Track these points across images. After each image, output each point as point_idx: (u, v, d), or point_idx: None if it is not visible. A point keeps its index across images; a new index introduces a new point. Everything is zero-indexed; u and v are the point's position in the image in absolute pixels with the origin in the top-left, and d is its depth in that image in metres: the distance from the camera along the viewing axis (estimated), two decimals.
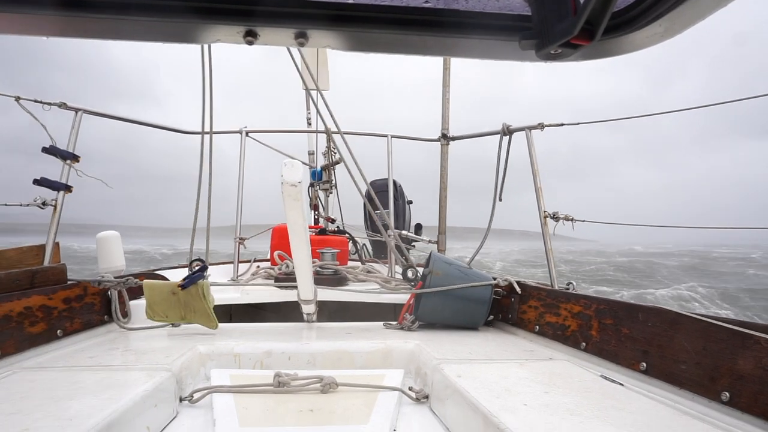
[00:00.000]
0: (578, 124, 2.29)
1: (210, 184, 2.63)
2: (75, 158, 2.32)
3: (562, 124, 2.31)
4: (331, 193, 5.12)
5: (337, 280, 2.89)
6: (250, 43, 1.05)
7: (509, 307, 2.31)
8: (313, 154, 5.27)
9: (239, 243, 3.35)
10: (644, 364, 1.47)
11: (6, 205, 2.10)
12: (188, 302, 2.03)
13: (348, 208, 5.18)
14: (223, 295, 2.62)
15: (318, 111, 3.09)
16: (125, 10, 0.98)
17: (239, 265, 3.36)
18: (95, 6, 0.97)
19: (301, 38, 1.05)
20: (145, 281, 2.06)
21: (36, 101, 2.25)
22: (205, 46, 2.37)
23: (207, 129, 2.59)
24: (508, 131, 2.57)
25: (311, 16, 1.03)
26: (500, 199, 2.58)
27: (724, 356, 1.24)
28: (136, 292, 2.35)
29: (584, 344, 1.78)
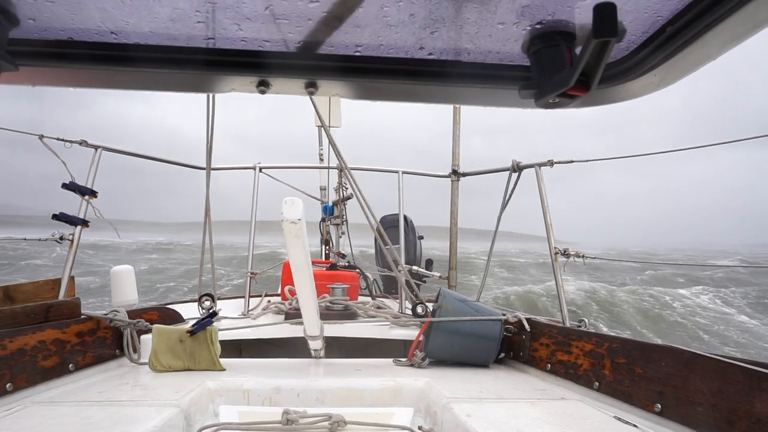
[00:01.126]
0: (588, 161, 2.31)
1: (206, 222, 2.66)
2: (93, 194, 2.38)
3: (572, 161, 2.33)
4: (342, 230, 5.16)
5: (346, 315, 2.88)
6: (262, 92, 1.10)
7: (520, 345, 2.28)
8: (324, 189, 5.33)
9: (251, 277, 3.37)
10: (659, 406, 1.44)
11: (25, 240, 2.15)
12: (194, 351, 2.04)
13: (360, 242, 5.20)
14: (233, 330, 2.62)
15: (332, 146, 3.16)
16: (149, 64, 1.05)
17: (250, 299, 3.37)
18: (120, 60, 1.04)
19: (311, 88, 1.10)
20: (155, 327, 2.08)
21: (58, 139, 2.33)
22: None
23: (212, 165, 2.66)
24: (517, 168, 2.59)
25: (321, 68, 1.08)
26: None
27: (740, 398, 1.22)
28: (147, 330, 2.36)
29: (597, 384, 1.75)
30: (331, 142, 3.23)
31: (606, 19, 0.77)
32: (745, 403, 1.20)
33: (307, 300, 1.84)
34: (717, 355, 1.33)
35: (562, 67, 0.95)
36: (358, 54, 1.07)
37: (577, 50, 0.99)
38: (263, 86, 1.09)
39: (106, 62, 1.04)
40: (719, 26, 0.83)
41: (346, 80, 1.11)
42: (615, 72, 1.06)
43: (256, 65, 1.07)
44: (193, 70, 1.07)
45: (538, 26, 0.97)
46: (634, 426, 1.38)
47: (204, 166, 3.25)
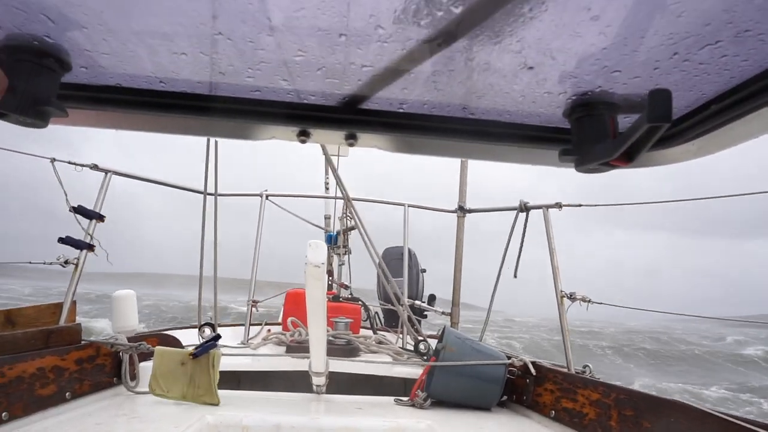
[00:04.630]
0: (596, 206, 2.30)
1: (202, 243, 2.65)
2: (101, 218, 2.38)
3: (581, 205, 2.33)
4: (343, 261, 5.14)
5: (349, 351, 2.85)
6: (303, 141, 1.11)
7: (523, 388, 2.24)
8: (329, 218, 5.34)
9: (252, 306, 3.34)
10: None
11: (30, 263, 2.14)
12: (195, 375, 2.00)
13: (362, 272, 5.18)
14: (233, 361, 2.59)
15: (337, 179, 3.17)
16: (195, 112, 1.07)
17: (250, 328, 3.33)
18: (166, 107, 1.07)
19: (351, 140, 1.11)
20: (157, 348, 2.05)
21: (69, 162, 2.34)
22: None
23: (211, 190, 2.67)
24: (525, 208, 2.59)
25: (362, 121, 1.09)
26: (515, 276, 2.58)
27: None
28: (147, 355, 2.34)
29: None
30: (335, 175, 3.25)
31: (661, 105, 0.78)
32: None
33: (318, 339, 1.84)
34: (730, 416, 1.30)
35: (604, 136, 0.96)
36: (401, 111, 1.09)
37: (620, 118, 1.00)
38: (303, 136, 1.10)
39: (153, 108, 1.06)
40: (764, 110, 0.84)
41: (387, 134, 1.12)
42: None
43: (299, 117, 1.08)
44: (237, 119, 1.09)
45: (583, 96, 0.98)
46: None
47: (211, 191, 3.27)
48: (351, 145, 1.12)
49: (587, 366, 2.31)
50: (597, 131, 0.98)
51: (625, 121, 1.04)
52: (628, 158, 0.92)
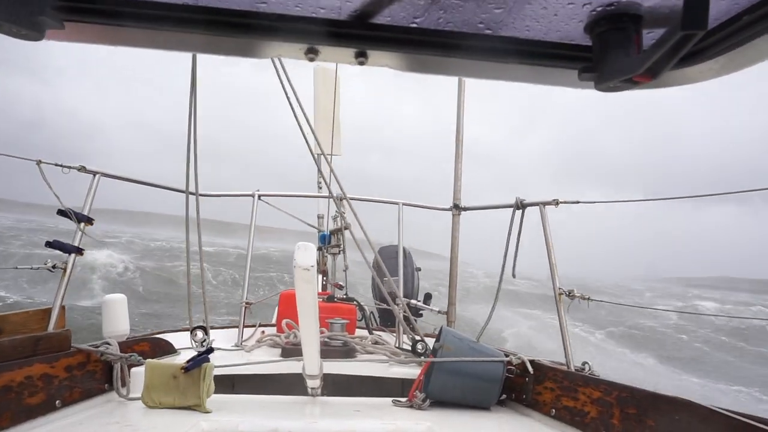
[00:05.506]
0: (593, 202, 2.28)
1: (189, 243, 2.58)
2: (89, 221, 2.32)
3: (578, 202, 2.31)
4: (337, 257, 5.09)
5: (345, 352, 2.82)
6: (311, 59, 1.06)
7: (523, 387, 2.22)
8: (322, 217, 5.28)
9: (245, 307, 3.30)
10: None
11: (17, 268, 2.08)
12: (187, 388, 1.96)
13: (357, 271, 5.13)
14: (227, 363, 2.55)
15: (333, 175, 3.13)
16: (197, 26, 1.02)
17: (244, 329, 3.29)
18: (167, 20, 1.01)
19: (362, 57, 1.06)
20: (148, 362, 2.01)
21: (56, 165, 2.28)
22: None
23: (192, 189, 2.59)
24: (521, 205, 2.56)
25: (373, 37, 1.04)
26: (513, 276, 2.55)
27: None
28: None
29: None
30: (331, 171, 3.21)
31: (698, 10, 0.73)
32: None
33: (311, 342, 1.82)
34: (735, 413, 1.28)
35: (628, 52, 0.91)
36: (414, 26, 1.03)
37: (645, 33, 0.95)
38: (312, 53, 1.05)
39: (154, 22, 1.01)
40: None
41: (399, 52, 1.06)
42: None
43: (307, 32, 1.03)
44: (240, 34, 1.03)
45: (608, 7, 0.92)
46: None
47: (197, 192, 3.21)
48: (362, 63, 1.07)
49: (586, 363, 2.29)
50: (621, 47, 0.93)
51: (648, 37, 0.98)
52: (652, 74, 0.88)
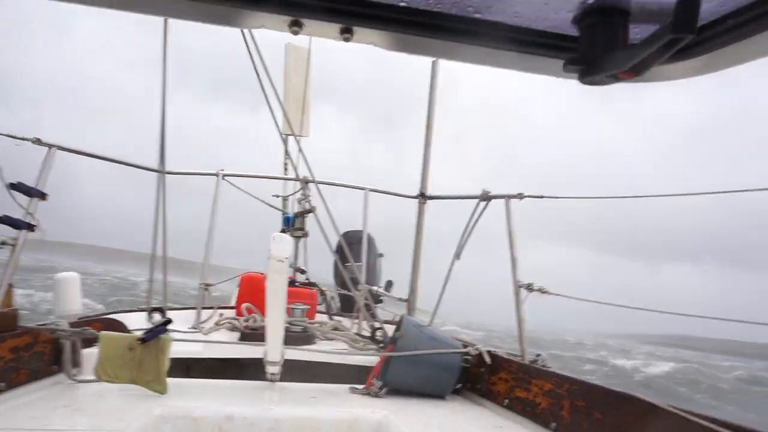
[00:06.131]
0: (558, 198, 2.32)
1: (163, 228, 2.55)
2: (43, 196, 2.22)
3: (542, 197, 2.35)
4: (299, 240, 5.04)
5: (305, 338, 2.81)
6: (295, 33, 1.04)
7: (477, 377, 2.27)
8: (287, 199, 5.22)
9: (204, 289, 3.25)
10: None
11: None
12: (143, 361, 1.91)
13: (319, 254, 5.09)
14: (183, 347, 2.50)
15: (303, 157, 3.09)
16: None
17: (201, 311, 3.24)
18: None
19: (347, 34, 1.04)
20: (102, 333, 1.95)
21: (8, 136, 2.17)
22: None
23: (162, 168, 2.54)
24: (487, 197, 2.59)
25: (360, 14, 1.02)
26: (458, 258, 2.65)
27: None
28: (90, 341, 2.22)
29: (554, 424, 1.74)
30: (300, 151, 3.17)
31: (688, 16, 0.74)
32: None
33: (275, 330, 1.82)
34: (679, 409, 1.34)
35: (615, 46, 0.92)
36: (403, 5, 1.02)
37: (632, 27, 0.96)
38: (296, 26, 1.02)
39: None
40: None
41: (386, 30, 1.05)
42: None
43: (293, 4, 1.00)
44: (223, 2, 0.99)
45: None
46: None
47: (163, 170, 3.12)
48: (347, 39, 1.05)
49: (539, 355, 2.35)
50: (608, 40, 0.94)
51: (634, 32, 0.99)
52: (636, 72, 0.89)
